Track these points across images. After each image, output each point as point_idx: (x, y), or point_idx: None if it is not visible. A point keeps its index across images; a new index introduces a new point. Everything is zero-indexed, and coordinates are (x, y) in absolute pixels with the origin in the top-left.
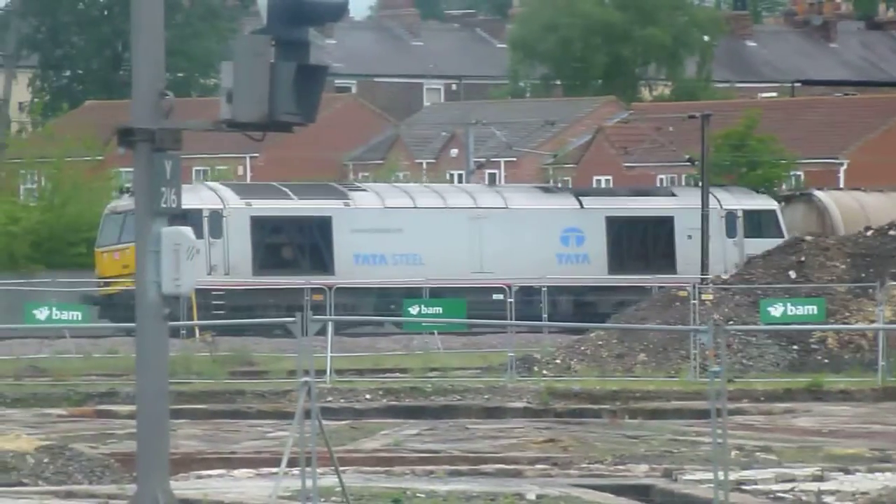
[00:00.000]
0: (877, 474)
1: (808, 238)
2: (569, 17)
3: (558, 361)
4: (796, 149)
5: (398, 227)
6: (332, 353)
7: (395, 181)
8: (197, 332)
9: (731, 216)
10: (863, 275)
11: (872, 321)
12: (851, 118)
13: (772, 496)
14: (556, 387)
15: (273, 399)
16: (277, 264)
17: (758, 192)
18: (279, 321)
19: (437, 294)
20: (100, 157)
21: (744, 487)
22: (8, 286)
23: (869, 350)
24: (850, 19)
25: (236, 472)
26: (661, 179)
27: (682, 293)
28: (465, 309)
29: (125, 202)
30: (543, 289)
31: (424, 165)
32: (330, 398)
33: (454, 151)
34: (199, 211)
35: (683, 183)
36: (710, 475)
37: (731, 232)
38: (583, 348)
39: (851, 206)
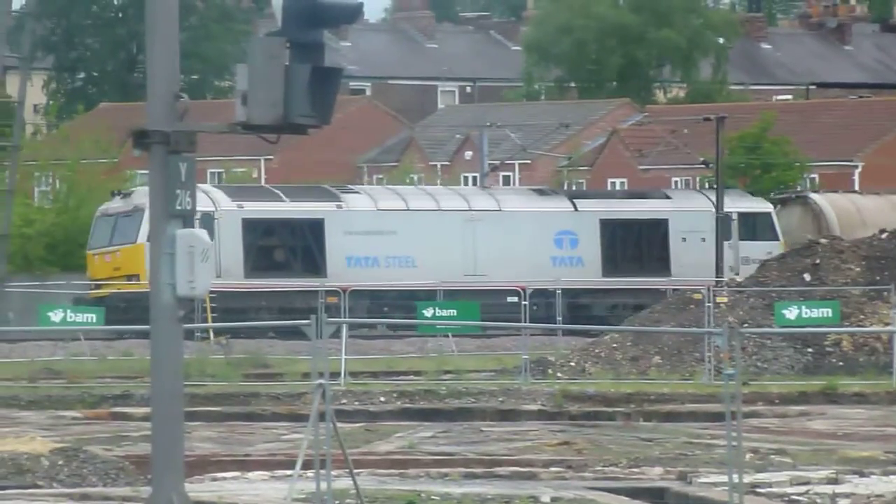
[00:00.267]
0: (892, 477)
1: (823, 241)
2: (583, 19)
3: (573, 364)
4: (811, 151)
5: (391, 229)
6: (346, 355)
7: (409, 183)
8: (211, 334)
9: (725, 219)
10: (878, 277)
11: (887, 324)
12: (866, 120)
13: (786, 499)
14: (571, 389)
15: (287, 401)
16: (269, 267)
17: (752, 194)
18: (294, 323)
19: (433, 297)
20: (115, 160)
21: (758, 490)
22: (22, 288)
23: (884, 353)
24: (865, 22)
25: (251, 475)
26: (676, 182)
27: (696, 296)
28: (479, 311)
29: (116, 204)
30: (558, 291)
31: (439, 168)
32: (344, 400)
33: (468, 154)
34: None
35: (698, 185)
36: (724, 478)
37: (725, 235)
38: (597, 351)
39: (847, 209)
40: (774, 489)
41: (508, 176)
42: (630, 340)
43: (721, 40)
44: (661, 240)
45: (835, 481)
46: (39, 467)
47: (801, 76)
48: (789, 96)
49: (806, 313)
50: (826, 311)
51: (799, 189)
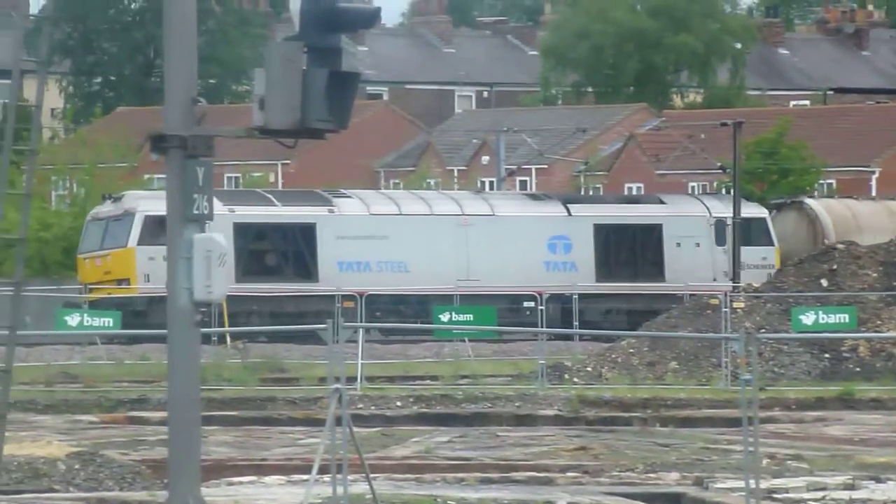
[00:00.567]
0: None
1: (840, 246)
2: (600, 24)
3: (589, 369)
4: (828, 156)
5: (384, 234)
6: (362, 360)
7: (426, 188)
8: (228, 338)
9: (720, 224)
10: (895, 283)
11: None
12: (883, 126)
13: None
14: (587, 394)
15: (304, 406)
16: (261, 271)
17: (748, 199)
18: (311, 328)
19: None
20: (133, 165)
21: (775, 496)
22: (39, 292)
23: None
24: (883, 27)
25: (267, 479)
26: (693, 187)
27: (713, 301)
28: (496, 316)
29: (107, 208)
30: (574, 296)
31: (456, 172)
32: (361, 405)
33: (485, 158)
34: None
35: (714, 190)
36: (741, 483)
37: (720, 240)
38: (614, 356)
39: (843, 214)
40: (791, 495)
41: (525, 181)
42: (647, 345)
43: (738, 45)
44: (655, 245)
45: (851, 487)
46: (56, 471)
47: (818, 81)
48: (806, 101)
49: (823, 319)
50: (843, 317)
51: (813, 191)
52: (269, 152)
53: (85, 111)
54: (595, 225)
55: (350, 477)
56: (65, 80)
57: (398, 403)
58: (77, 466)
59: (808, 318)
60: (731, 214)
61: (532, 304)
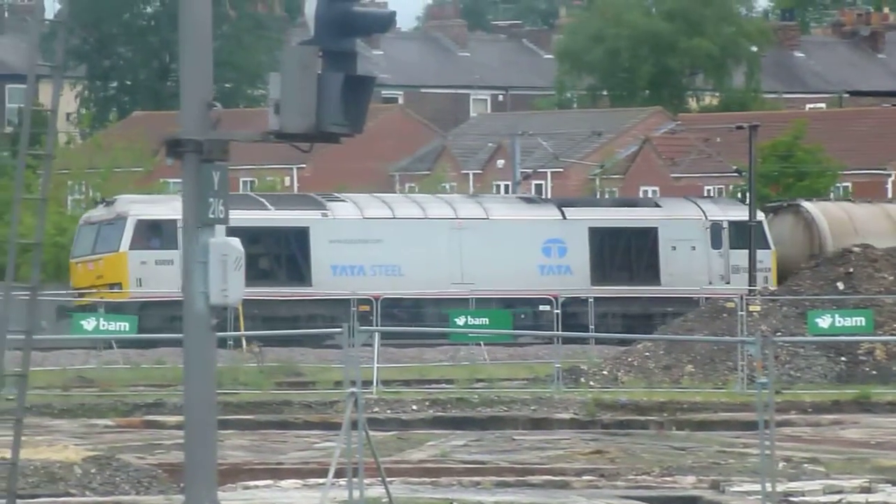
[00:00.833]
0: None
1: (857, 249)
2: (616, 27)
3: (605, 373)
4: (844, 159)
5: (377, 237)
6: (378, 363)
7: (441, 192)
8: (244, 342)
9: (716, 227)
10: None
11: None
12: None
13: None
14: (603, 398)
15: (320, 409)
16: (253, 275)
17: (744, 202)
18: (327, 331)
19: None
20: (149, 169)
21: (791, 499)
22: (55, 297)
23: None
24: None
25: (283, 483)
26: (709, 190)
27: (729, 304)
28: (511, 320)
29: (99, 212)
30: (590, 300)
31: (471, 176)
32: (376, 409)
33: (500, 162)
34: (174, 221)
35: (731, 194)
36: (757, 487)
37: (716, 243)
38: (630, 359)
39: (839, 217)
40: (807, 498)
41: (541, 184)
42: (663, 349)
43: (754, 48)
44: (650, 248)
45: (868, 490)
46: (72, 476)
47: (834, 84)
48: (822, 104)
49: (839, 322)
50: (859, 320)
51: (829, 194)
52: (284, 156)
53: (100, 116)
54: (590, 228)
55: (366, 481)
56: (80, 85)
57: (414, 407)
58: (93, 471)
59: (824, 322)
60: (728, 218)
61: (547, 307)
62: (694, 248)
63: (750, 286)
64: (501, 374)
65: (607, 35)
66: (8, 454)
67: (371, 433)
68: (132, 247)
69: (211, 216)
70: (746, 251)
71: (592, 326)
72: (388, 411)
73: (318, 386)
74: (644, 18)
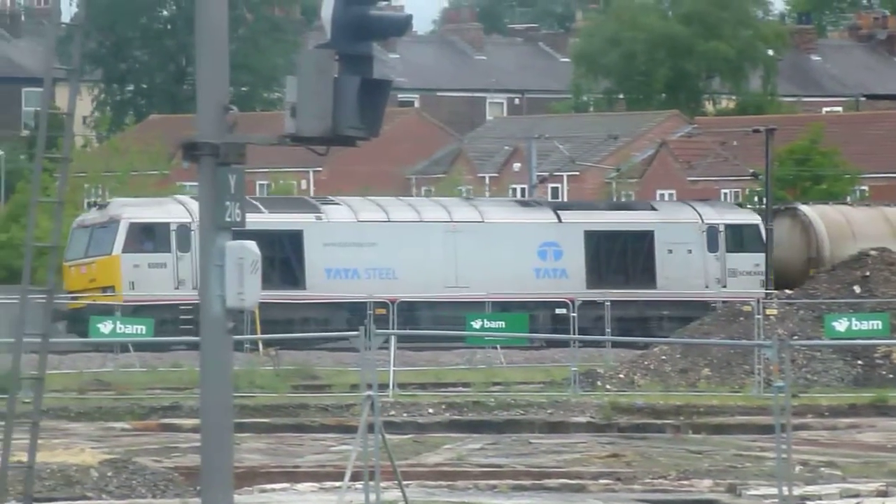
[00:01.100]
0: None
1: (873, 252)
2: (632, 30)
3: (621, 376)
4: (861, 163)
5: (371, 240)
6: (394, 366)
7: (457, 195)
8: (260, 345)
9: (712, 230)
10: None
11: None
12: None
13: None
14: (620, 401)
15: (336, 413)
16: None
17: (741, 206)
18: (344, 335)
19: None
20: (165, 172)
21: (808, 503)
22: (71, 300)
23: None
24: None
25: (300, 486)
26: (725, 194)
27: (746, 308)
28: (528, 323)
29: (92, 216)
30: (607, 303)
31: (487, 179)
32: (393, 412)
33: (517, 165)
34: (167, 225)
35: (747, 197)
36: (774, 490)
37: (712, 246)
38: (646, 363)
39: (837, 221)
40: (824, 502)
41: (557, 188)
42: (679, 352)
43: (770, 52)
44: (646, 252)
45: (885, 494)
46: (88, 479)
47: (850, 88)
48: (839, 108)
49: (856, 325)
50: (876, 324)
51: (846, 198)
52: (300, 159)
53: (117, 119)
54: (586, 232)
55: (382, 484)
56: (97, 89)
57: (430, 410)
58: (110, 474)
59: (840, 325)
60: (724, 222)
61: (564, 310)
62: (690, 251)
63: (766, 290)
64: (518, 378)
65: (624, 38)
66: (24, 457)
67: (387, 436)
68: (125, 250)
69: (227, 219)
70: (743, 254)
71: (609, 329)
72: (405, 414)
73: (335, 389)
74: (660, 22)
